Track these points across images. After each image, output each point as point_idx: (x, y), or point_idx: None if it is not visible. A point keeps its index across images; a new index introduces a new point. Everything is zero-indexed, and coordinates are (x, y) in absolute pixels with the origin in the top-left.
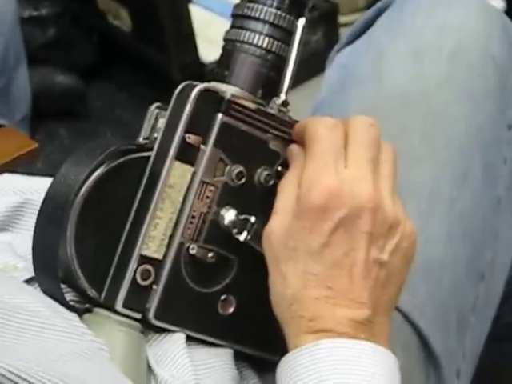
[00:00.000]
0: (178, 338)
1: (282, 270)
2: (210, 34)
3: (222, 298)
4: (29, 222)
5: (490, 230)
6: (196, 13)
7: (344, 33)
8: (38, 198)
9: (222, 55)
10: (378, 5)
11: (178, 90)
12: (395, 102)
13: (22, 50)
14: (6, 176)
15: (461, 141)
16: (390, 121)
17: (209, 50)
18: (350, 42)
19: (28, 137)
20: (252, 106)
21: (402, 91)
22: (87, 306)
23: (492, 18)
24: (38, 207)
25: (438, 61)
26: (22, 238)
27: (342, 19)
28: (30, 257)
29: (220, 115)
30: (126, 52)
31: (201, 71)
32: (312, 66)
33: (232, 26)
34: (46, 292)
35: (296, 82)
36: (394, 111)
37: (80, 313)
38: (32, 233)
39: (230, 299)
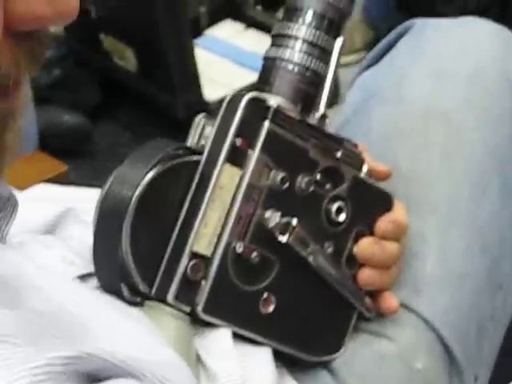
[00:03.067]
0: (225, 332)
1: None
2: (212, 74)
3: (263, 296)
4: (74, 231)
5: (508, 243)
6: (200, 54)
7: (343, 72)
8: (79, 206)
9: (261, 72)
10: (398, 29)
11: (227, 100)
12: (416, 122)
13: (28, 90)
14: (41, 186)
15: (479, 160)
16: (410, 140)
17: (212, 90)
18: (371, 64)
19: (56, 160)
20: (296, 116)
21: (422, 112)
22: (138, 300)
23: (507, 41)
24: (80, 215)
25: (456, 83)
26: (75, 240)
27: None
28: (84, 253)
29: (267, 122)
30: (131, 92)
31: (204, 110)
32: None
33: (272, 45)
34: (104, 286)
35: None
36: (415, 131)
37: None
38: (77, 241)
39: (271, 298)
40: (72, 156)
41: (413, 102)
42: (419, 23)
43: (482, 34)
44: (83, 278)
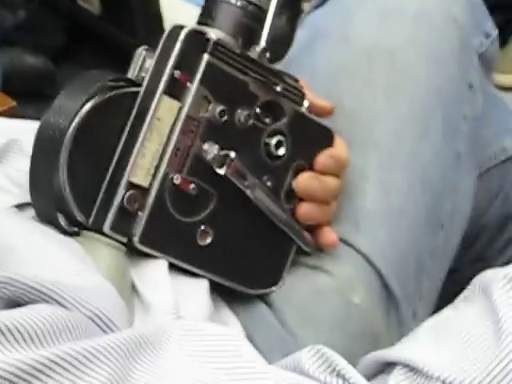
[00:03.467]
0: (161, 263)
1: None
2: (176, 18)
3: (201, 228)
4: (16, 162)
5: (450, 183)
6: None
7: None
8: (24, 138)
9: (205, 5)
10: None
11: (167, 32)
12: (361, 59)
13: None
14: None
15: (422, 98)
16: (355, 77)
17: None
18: (321, 4)
19: (5, 95)
20: (236, 49)
21: (367, 50)
22: (75, 229)
23: None
24: (24, 146)
25: (402, 22)
26: (15, 170)
27: (305, 6)
28: (24, 184)
29: (206, 55)
30: (95, 34)
31: None
32: (276, 50)
33: None
34: (40, 215)
35: None
36: (360, 68)
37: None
38: (19, 171)
39: (208, 230)
40: (35, 98)
41: (358, 41)
42: None
43: None
44: (20, 207)
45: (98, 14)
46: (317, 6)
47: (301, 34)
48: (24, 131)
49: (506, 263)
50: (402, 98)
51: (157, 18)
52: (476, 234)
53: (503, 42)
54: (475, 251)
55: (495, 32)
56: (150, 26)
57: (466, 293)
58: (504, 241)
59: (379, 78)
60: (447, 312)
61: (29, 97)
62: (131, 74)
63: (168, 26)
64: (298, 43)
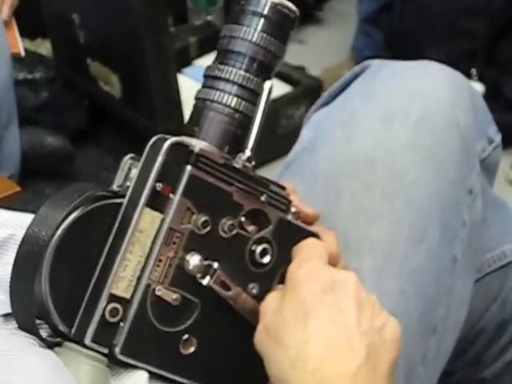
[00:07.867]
0: (142, 374)
1: (282, 341)
2: None
3: (184, 337)
4: (11, 258)
5: (445, 288)
6: (184, 83)
7: None
8: (21, 233)
9: (192, 112)
10: (355, 69)
11: (150, 143)
12: (361, 162)
13: (14, 111)
14: None
15: (420, 202)
16: (354, 179)
17: None
18: (327, 102)
19: (10, 181)
20: (219, 160)
21: (368, 152)
22: (58, 340)
23: (460, 87)
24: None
25: (404, 126)
26: (6, 271)
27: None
28: None
29: (189, 167)
30: (115, 117)
31: None
32: (295, 139)
33: (203, 86)
34: (21, 326)
35: (280, 153)
36: (360, 171)
37: (51, 346)
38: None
39: (191, 339)
40: (53, 178)
41: (360, 143)
42: (375, 64)
43: (436, 78)
44: (6, 316)
45: (119, 96)
46: (322, 105)
47: (305, 133)
48: (23, 225)
49: (503, 368)
50: (399, 201)
51: (176, 102)
52: (472, 337)
53: None
54: (471, 355)
55: (498, 137)
56: (168, 111)
57: None
58: (501, 345)
59: (378, 180)
60: None
61: (47, 176)
62: (117, 182)
63: (187, 110)
64: (301, 142)
